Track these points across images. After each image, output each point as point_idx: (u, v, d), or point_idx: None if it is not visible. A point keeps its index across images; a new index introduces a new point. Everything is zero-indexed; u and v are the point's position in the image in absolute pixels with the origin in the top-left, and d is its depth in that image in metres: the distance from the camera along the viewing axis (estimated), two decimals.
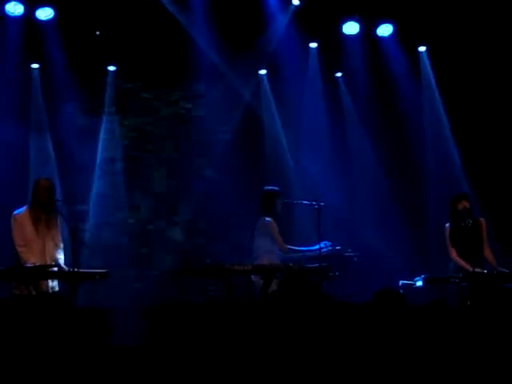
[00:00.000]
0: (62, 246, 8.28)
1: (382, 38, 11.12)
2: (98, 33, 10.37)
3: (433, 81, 11.38)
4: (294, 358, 3.75)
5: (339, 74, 11.64)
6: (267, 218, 8.93)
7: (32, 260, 7.98)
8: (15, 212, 8.20)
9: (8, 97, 10.29)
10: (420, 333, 4.05)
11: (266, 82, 11.37)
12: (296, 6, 10.81)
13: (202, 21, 10.48)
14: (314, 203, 9.01)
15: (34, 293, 7.67)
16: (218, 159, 11.17)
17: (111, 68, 10.96)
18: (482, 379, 3.99)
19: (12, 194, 8.64)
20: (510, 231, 10.75)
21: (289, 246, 9.00)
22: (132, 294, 10.70)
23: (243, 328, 3.81)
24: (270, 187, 9.18)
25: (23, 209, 8.21)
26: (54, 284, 8.12)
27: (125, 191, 11.07)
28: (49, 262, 8.09)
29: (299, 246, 9.10)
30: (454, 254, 9.25)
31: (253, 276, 8.82)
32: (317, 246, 8.81)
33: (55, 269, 7.98)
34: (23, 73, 10.49)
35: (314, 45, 11.27)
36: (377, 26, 11.03)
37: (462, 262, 9.13)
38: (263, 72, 11.40)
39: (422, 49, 11.38)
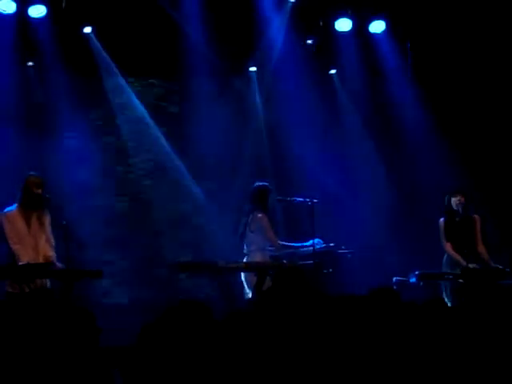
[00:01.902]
0: (53, 242, 8.28)
1: (375, 35, 11.12)
2: (87, 30, 10.35)
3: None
4: (289, 355, 3.76)
5: (333, 71, 11.64)
6: (259, 214, 8.92)
7: (25, 258, 7.98)
8: (5, 210, 8.19)
9: (5, 95, 10.29)
10: (414, 331, 4.05)
11: (259, 78, 11.36)
12: (292, 3, 10.79)
13: (195, 18, 10.47)
14: (308, 200, 9.01)
15: (27, 290, 7.67)
16: (212, 156, 11.16)
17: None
18: (476, 377, 4.00)
19: (11, 193, 8.63)
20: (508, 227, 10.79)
21: (281, 243, 8.99)
22: (130, 292, 10.71)
23: (239, 326, 3.82)
24: (261, 183, 9.17)
25: (13, 206, 8.20)
26: (46, 281, 8.12)
27: (122, 189, 11.08)
28: (42, 259, 8.09)
29: (292, 243, 9.10)
30: (448, 247, 9.27)
31: (242, 273, 8.82)
32: (310, 243, 8.80)
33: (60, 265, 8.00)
34: (19, 71, 10.47)
35: (309, 41, 11.26)
36: (369, 22, 11.01)
37: (456, 256, 9.16)
38: (254, 69, 11.37)
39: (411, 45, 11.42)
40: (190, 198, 11.18)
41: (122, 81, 11.01)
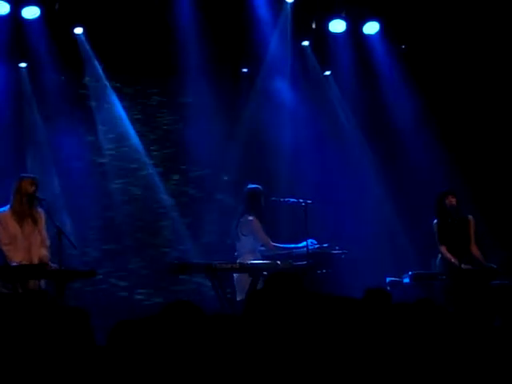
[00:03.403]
0: (48, 243, 8.28)
1: (369, 36, 11.12)
2: (79, 31, 10.32)
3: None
4: (279, 356, 3.76)
5: (328, 72, 11.63)
6: (250, 217, 8.93)
7: (18, 258, 7.98)
8: None
9: None
10: (404, 332, 4.06)
11: (252, 80, 11.34)
12: (289, 3, 10.79)
13: (187, 18, 10.46)
14: (302, 201, 9.01)
15: (20, 291, 7.68)
16: (207, 159, 11.16)
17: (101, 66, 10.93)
18: (467, 377, 4.01)
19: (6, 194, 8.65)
20: (501, 227, 10.80)
21: (275, 244, 9.00)
22: (123, 293, 10.69)
23: (233, 326, 3.83)
24: (253, 185, 9.18)
25: (6, 208, 8.21)
26: (41, 282, 8.11)
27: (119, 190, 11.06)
28: (35, 260, 8.10)
29: (285, 244, 9.10)
30: (443, 250, 9.29)
31: (235, 274, 8.83)
32: (303, 244, 8.82)
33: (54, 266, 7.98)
34: (12, 72, 10.45)
35: (305, 43, 11.26)
36: (363, 23, 11.02)
37: (451, 258, 9.18)
38: (246, 70, 11.34)
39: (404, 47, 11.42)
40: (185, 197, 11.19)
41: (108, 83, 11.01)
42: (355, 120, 11.43)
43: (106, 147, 11.03)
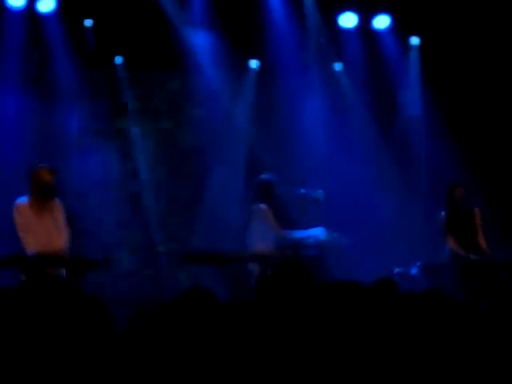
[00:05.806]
0: (67, 232, 8.37)
1: (379, 30, 11.16)
2: (88, 24, 10.39)
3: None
4: (286, 343, 3.84)
5: (338, 66, 11.67)
6: (261, 205, 9.01)
7: (35, 247, 8.07)
8: (17, 201, 8.28)
9: (11, 89, 10.37)
10: (412, 324, 4.10)
11: (260, 72, 11.40)
12: None
13: (198, 11, 10.53)
14: (312, 191, 9.10)
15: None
16: (216, 148, 11.24)
17: (118, 60, 10.97)
18: (474, 373, 4.02)
19: (13, 182, 8.74)
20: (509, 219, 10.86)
21: (285, 232, 9.07)
22: (131, 282, 10.78)
23: (242, 316, 3.89)
24: (266, 176, 9.25)
25: (25, 198, 8.30)
26: (61, 270, 8.16)
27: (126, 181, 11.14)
28: (57, 249, 8.18)
29: (295, 232, 9.18)
30: (451, 241, 9.35)
31: (249, 264, 8.92)
32: (313, 232, 8.90)
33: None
34: (26, 65, 10.53)
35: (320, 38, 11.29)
36: (374, 17, 11.06)
37: (458, 250, 9.24)
38: (255, 62, 11.36)
39: (415, 41, 11.45)
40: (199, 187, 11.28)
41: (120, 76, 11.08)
42: (365, 113, 11.47)
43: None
